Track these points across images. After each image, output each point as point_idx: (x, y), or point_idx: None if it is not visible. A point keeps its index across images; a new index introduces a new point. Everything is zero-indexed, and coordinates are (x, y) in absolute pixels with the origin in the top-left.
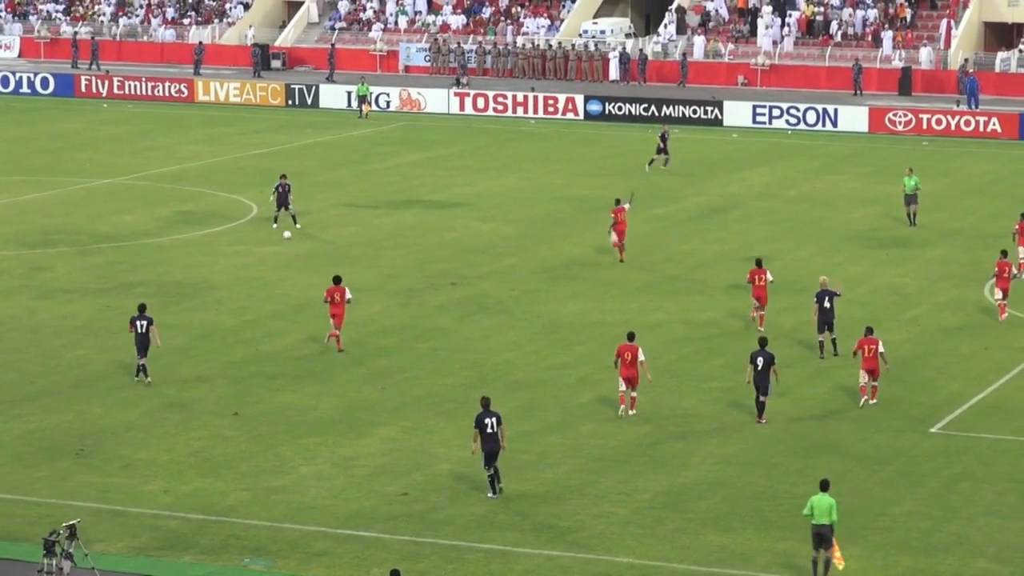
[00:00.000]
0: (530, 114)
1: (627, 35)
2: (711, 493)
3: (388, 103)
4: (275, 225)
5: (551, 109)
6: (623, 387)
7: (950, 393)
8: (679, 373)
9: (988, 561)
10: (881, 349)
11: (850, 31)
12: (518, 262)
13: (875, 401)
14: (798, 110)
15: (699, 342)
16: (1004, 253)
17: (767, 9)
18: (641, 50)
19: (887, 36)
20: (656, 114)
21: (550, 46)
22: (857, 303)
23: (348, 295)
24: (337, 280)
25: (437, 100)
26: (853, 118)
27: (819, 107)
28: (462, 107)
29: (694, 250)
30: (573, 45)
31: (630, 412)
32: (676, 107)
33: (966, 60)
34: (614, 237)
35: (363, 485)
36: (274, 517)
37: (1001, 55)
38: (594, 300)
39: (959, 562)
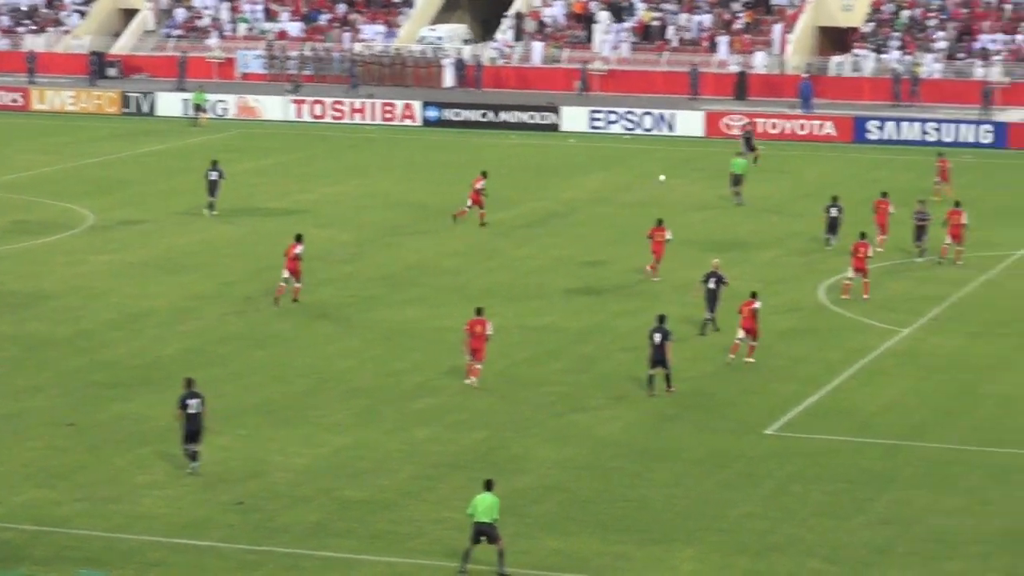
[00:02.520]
0: (368, 121)
1: (465, 41)
2: (548, 497)
3: (225, 111)
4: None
5: (389, 115)
6: (469, 358)
7: (784, 395)
8: (516, 378)
9: (820, 561)
10: (756, 305)
11: (686, 36)
12: (356, 269)
13: (752, 360)
14: (635, 115)
15: (536, 347)
16: (863, 235)
17: (604, 15)
18: (477, 56)
19: (723, 41)
20: (494, 119)
21: (388, 53)
22: (692, 306)
23: (300, 249)
24: (299, 238)
25: (274, 107)
26: (689, 122)
27: (656, 112)
28: (299, 114)
29: (531, 255)
30: (411, 51)
31: (472, 379)
32: (513, 113)
33: (809, 64)
34: (469, 202)
35: (199, 494)
36: (110, 527)
37: (835, 59)
38: (432, 307)
39: (793, 563)
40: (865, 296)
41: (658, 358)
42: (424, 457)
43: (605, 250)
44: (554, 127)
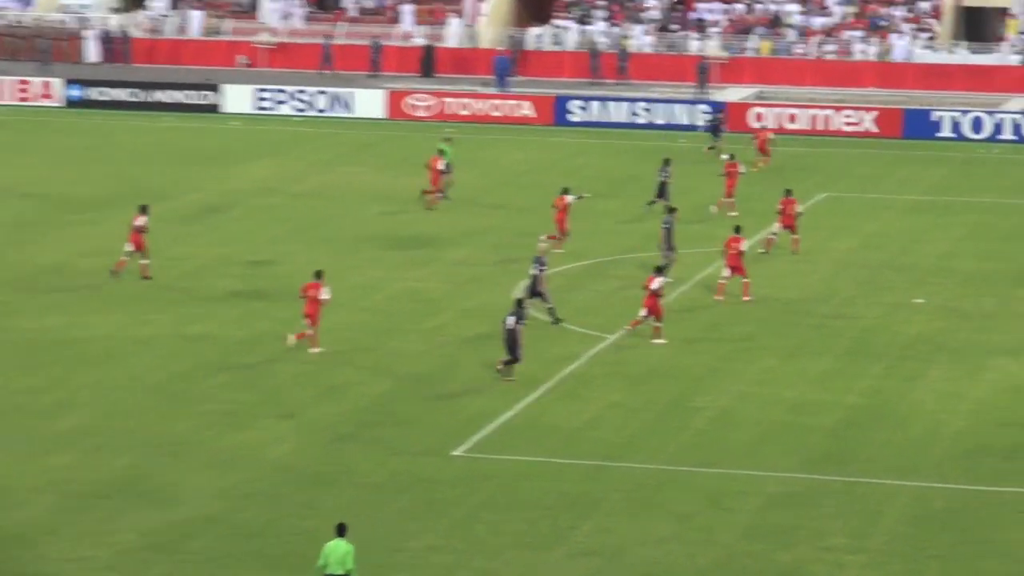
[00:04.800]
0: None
1: (112, 10)
2: (206, 531)
3: None
4: None
5: (24, 95)
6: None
7: (475, 411)
8: (172, 394)
9: None
10: (655, 284)
11: (366, 5)
12: None
13: (662, 341)
14: (307, 94)
15: (194, 359)
16: (737, 229)
17: None
18: (122, 27)
19: (407, 11)
20: (146, 99)
21: (22, 23)
22: (372, 311)
23: (142, 221)
24: (143, 208)
25: None
26: (369, 103)
27: (331, 90)
28: None
29: (189, 254)
30: (50, 22)
31: (291, 339)
32: (168, 92)
33: (511, 36)
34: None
35: None
36: None
37: (534, 31)
38: (73, 314)
39: None
40: (745, 297)
41: (510, 341)
42: (62, 486)
43: (273, 248)
44: (214, 108)
